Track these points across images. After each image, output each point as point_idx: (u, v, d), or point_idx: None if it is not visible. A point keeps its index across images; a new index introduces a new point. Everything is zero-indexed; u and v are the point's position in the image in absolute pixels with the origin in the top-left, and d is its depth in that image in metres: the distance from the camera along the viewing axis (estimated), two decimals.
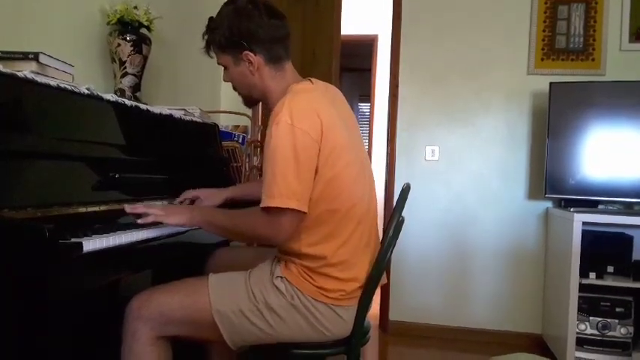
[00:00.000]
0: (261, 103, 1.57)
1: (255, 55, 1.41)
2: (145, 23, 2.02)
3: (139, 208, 1.32)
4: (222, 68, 1.50)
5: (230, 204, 1.73)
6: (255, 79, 1.45)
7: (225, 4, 1.46)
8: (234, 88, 1.54)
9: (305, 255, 1.36)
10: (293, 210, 1.27)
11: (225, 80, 1.54)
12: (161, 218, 1.32)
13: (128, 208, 1.32)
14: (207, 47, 1.48)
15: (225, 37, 1.43)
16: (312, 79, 1.47)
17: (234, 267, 1.47)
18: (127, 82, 2.00)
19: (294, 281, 1.35)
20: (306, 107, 1.32)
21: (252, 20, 1.40)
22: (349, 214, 1.36)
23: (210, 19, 1.47)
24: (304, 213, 1.30)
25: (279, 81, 1.45)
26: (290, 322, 1.35)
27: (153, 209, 1.33)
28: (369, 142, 5.39)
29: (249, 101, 1.55)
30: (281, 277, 1.36)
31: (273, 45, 1.43)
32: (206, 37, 1.47)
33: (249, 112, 3.12)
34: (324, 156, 1.31)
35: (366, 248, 1.42)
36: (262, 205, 1.29)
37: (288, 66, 1.48)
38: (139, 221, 1.29)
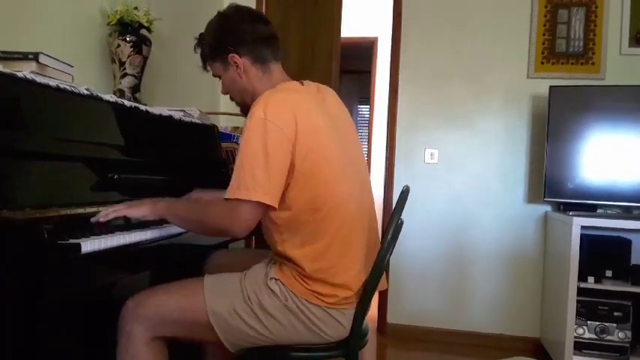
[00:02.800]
0: None
1: (240, 57, 1.45)
2: (145, 24, 2.02)
3: (100, 214, 1.28)
4: (220, 78, 1.54)
5: None
6: (244, 83, 1.48)
7: (212, 18, 1.52)
8: (231, 98, 1.57)
9: (293, 259, 1.34)
10: (255, 202, 1.26)
11: (222, 92, 1.57)
12: (122, 212, 1.31)
13: (92, 219, 1.27)
14: (203, 62, 1.53)
15: (211, 45, 1.49)
16: (304, 81, 1.49)
17: (232, 269, 1.47)
18: (126, 82, 2.00)
19: (288, 283, 1.34)
20: (282, 104, 1.33)
21: (235, 24, 1.46)
22: (332, 214, 1.34)
23: (200, 34, 1.52)
24: (270, 206, 1.29)
25: (266, 82, 1.46)
26: (285, 324, 1.34)
27: (114, 207, 1.31)
28: (368, 145, 5.38)
29: (245, 108, 1.54)
30: (275, 279, 1.35)
31: (258, 46, 1.46)
32: (199, 51, 1.52)
33: None
34: (300, 154, 1.30)
35: (358, 251, 1.40)
36: (226, 196, 1.29)
37: (275, 67, 1.50)
38: (101, 219, 1.26)
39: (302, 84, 1.47)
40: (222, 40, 1.46)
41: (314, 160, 1.32)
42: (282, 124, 1.28)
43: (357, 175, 1.46)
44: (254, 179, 1.26)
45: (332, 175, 1.35)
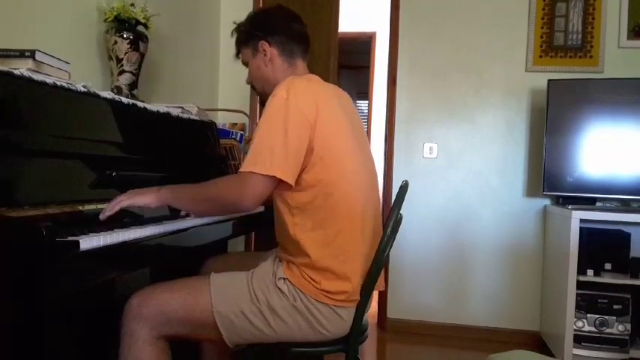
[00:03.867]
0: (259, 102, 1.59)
1: (270, 45, 1.51)
2: (142, 21, 2.02)
3: (106, 209, 1.27)
4: (238, 66, 1.62)
5: None
6: (268, 71, 1.53)
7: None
8: (253, 88, 1.62)
9: (301, 244, 1.34)
10: (269, 176, 1.27)
11: (247, 82, 1.62)
12: (126, 202, 1.30)
13: (101, 216, 1.26)
14: (237, 48, 1.60)
15: (245, 32, 1.56)
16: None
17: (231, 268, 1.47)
18: (124, 79, 1.99)
19: (297, 282, 1.34)
20: (305, 89, 1.35)
21: (273, 18, 1.56)
22: (344, 202, 1.35)
23: (239, 22, 1.60)
24: (284, 183, 1.30)
25: (289, 75, 1.45)
26: (291, 323, 1.34)
27: (117, 199, 1.30)
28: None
29: (265, 98, 1.54)
30: (284, 279, 1.35)
31: (289, 40, 1.53)
32: (235, 36, 1.59)
33: (247, 109, 3.12)
34: (319, 139, 1.31)
35: (364, 241, 1.41)
36: (241, 169, 1.29)
37: (300, 63, 1.56)
38: (107, 213, 1.25)
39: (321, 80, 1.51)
40: (256, 27, 1.53)
41: (331, 148, 1.33)
42: (303, 107, 1.30)
43: (368, 173, 1.48)
44: (272, 155, 1.27)
45: (347, 166, 1.37)
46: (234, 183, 1.32)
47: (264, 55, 1.51)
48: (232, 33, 1.60)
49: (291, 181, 1.30)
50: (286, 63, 1.52)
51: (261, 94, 1.59)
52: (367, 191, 1.44)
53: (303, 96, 1.32)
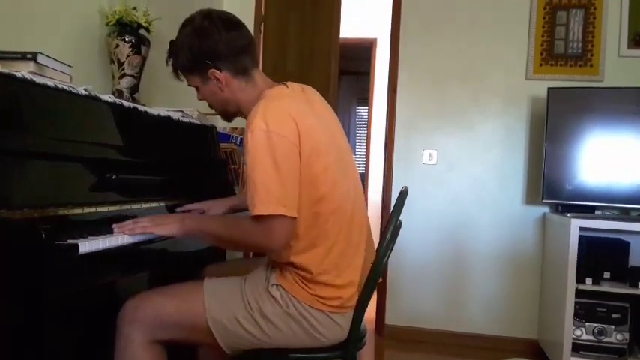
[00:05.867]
0: None
1: (220, 71, 1.39)
2: (144, 24, 2.02)
3: (127, 225, 1.27)
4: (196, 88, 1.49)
5: (233, 213, 1.73)
6: (226, 95, 1.43)
7: (182, 25, 1.44)
8: (210, 106, 1.53)
9: (296, 265, 1.33)
10: (282, 216, 1.23)
11: (199, 99, 1.52)
12: (150, 229, 1.28)
13: (116, 228, 1.26)
14: (175, 71, 1.47)
15: (188, 60, 1.41)
16: (287, 83, 1.45)
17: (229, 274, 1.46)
18: (125, 83, 2.00)
19: (290, 288, 1.33)
20: (280, 112, 1.29)
21: (210, 37, 1.38)
22: (333, 217, 1.34)
23: (171, 43, 1.46)
24: (294, 218, 1.26)
25: (250, 91, 1.43)
26: (285, 330, 1.34)
27: (140, 222, 1.29)
28: (367, 146, 5.39)
29: (226, 116, 1.53)
30: (276, 285, 1.34)
31: (237, 57, 1.40)
32: (170, 61, 1.46)
33: None
34: (303, 158, 1.28)
35: (357, 249, 1.40)
36: (253, 213, 1.26)
37: (257, 74, 1.45)
38: (127, 234, 1.24)
39: (286, 86, 1.44)
40: (199, 56, 1.39)
41: (314, 165, 1.30)
42: (285, 132, 1.26)
43: (351, 175, 1.46)
44: (269, 194, 1.23)
45: (331, 179, 1.34)
46: (258, 228, 1.26)
47: (218, 81, 1.40)
48: (167, 61, 1.45)
49: (295, 214, 1.27)
50: (243, 81, 1.42)
51: (222, 113, 1.52)
52: (354, 199, 1.42)
53: (282, 120, 1.26)
